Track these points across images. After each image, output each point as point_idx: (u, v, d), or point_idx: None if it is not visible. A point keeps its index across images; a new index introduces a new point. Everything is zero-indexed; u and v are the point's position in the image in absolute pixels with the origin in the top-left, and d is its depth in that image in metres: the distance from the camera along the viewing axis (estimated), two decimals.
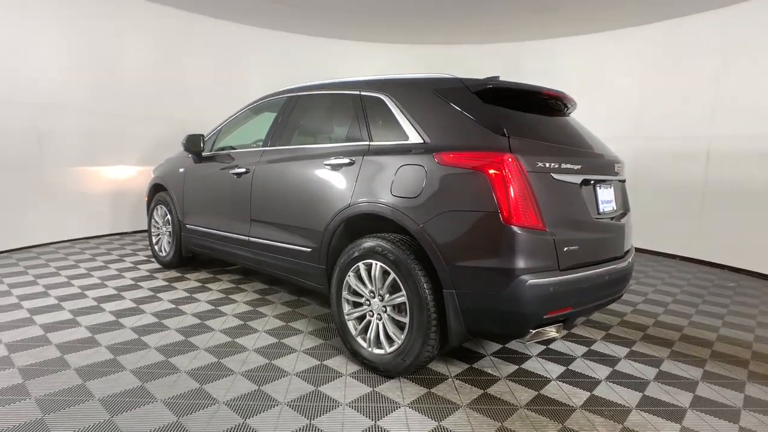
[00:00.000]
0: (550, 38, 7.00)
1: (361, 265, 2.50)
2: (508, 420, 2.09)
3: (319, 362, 2.60)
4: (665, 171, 5.91)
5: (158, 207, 4.40)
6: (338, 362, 2.61)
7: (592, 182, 2.42)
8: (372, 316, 2.49)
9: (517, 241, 2.03)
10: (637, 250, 6.37)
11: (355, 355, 2.55)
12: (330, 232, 2.68)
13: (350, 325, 2.58)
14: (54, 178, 5.23)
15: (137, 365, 2.46)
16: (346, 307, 2.60)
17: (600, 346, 3.00)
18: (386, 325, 2.42)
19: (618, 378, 2.57)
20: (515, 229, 2.03)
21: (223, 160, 3.63)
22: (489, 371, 2.59)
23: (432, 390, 2.35)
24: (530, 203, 2.05)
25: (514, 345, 2.96)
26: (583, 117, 7.29)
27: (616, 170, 2.54)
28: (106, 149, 5.73)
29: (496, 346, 2.92)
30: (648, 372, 2.66)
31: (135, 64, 5.87)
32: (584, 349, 2.95)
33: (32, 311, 3.17)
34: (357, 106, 2.79)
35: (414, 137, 2.43)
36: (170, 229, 4.25)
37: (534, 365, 2.68)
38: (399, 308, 2.39)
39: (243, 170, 3.35)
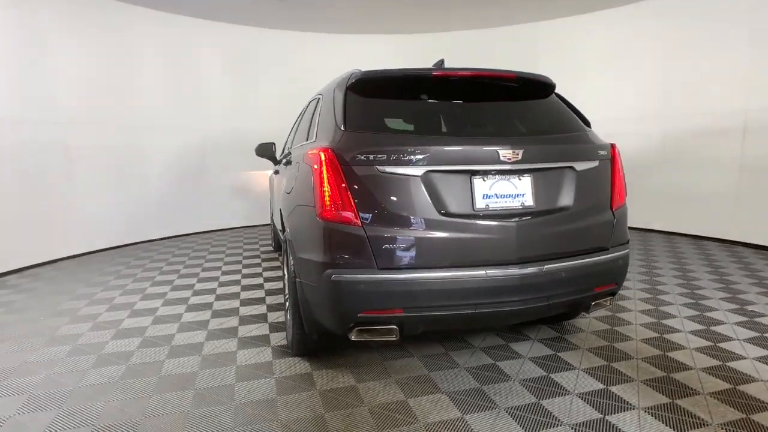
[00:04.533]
0: (567, 16, 6.71)
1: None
2: (331, 413, 2.13)
3: (267, 333, 3.06)
4: (699, 149, 5.72)
5: None
6: (280, 336, 3.01)
7: (479, 173, 2.08)
8: None
9: (325, 235, 2.04)
10: (670, 233, 6.22)
11: (285, 330, 2.90)
12: (280, 221, 3.09)
13: (286, 304, 2.94)
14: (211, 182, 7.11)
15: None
16: (286, 288, 2.97)
17: (587, 382, 2.43)
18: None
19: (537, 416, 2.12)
20: (324, 223, 2.04)
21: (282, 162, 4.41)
22: (395, 376, 2.53)
23: (314, 372, 2.50)
24: (342, 198, 2.01)
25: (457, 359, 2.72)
26: (608, 97, 6.55)
27: (501, 158, 2.06)
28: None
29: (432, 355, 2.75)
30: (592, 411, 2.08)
31: (149, 75, 6.19)
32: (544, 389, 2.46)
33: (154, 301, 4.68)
34: (317, 107, 3.07)
35: (314, 136, 2.61)
36: None
37: (441, 376, 2.46)
38: None
39: (276, 169, 4.05)
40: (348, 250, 2.01)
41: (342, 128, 2.17)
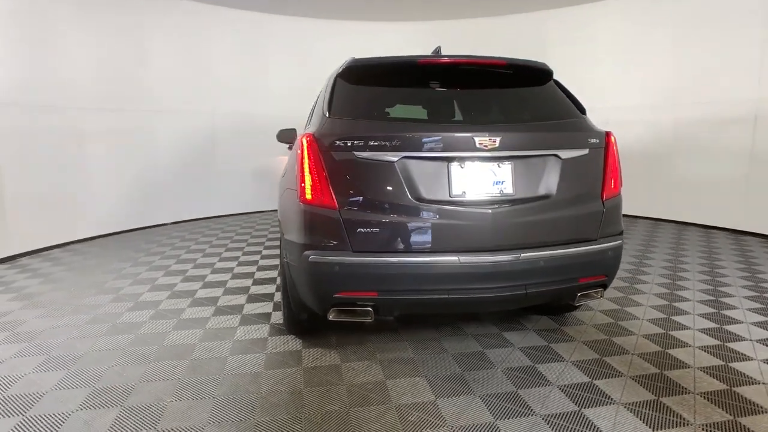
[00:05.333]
0: (578, 5, 6.64)
1: None
2: (308, 388, 2.22)
3: (270, 312, 3.19)
4: (709, 137, 5.68)
5: None
6: (281, 315, 3.13)
7: (457, 159, 2.07)
8: None
9: (304, 217, 2.10)
10: (678, 222, 6.22)
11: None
12: None
13: None
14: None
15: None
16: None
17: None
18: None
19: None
20: (303, 206, 2.10)
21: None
22: (380, 357, 2.58)
23: (304, 350, 2.59)
24: (320, 182, 2.06)
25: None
26: (619, 85, 6.57)
27: (478, 145, 2.03)
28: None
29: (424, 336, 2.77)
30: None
31: (160, 60, 6.19)
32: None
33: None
34: (319, 95, 3.14)
35: (310, 122, 2.67)
36: None
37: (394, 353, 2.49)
38: None
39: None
40: (324, 233, 2.07)
41: (327, 115, 2.22)
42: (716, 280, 3.79)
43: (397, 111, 2.33)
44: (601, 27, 6.59)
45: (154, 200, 6.32)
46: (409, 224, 2.04)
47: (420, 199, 2.05)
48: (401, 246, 2.04)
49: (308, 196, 2.09)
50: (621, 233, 2.35)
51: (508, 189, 2.11)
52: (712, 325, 2.90)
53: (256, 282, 3.83)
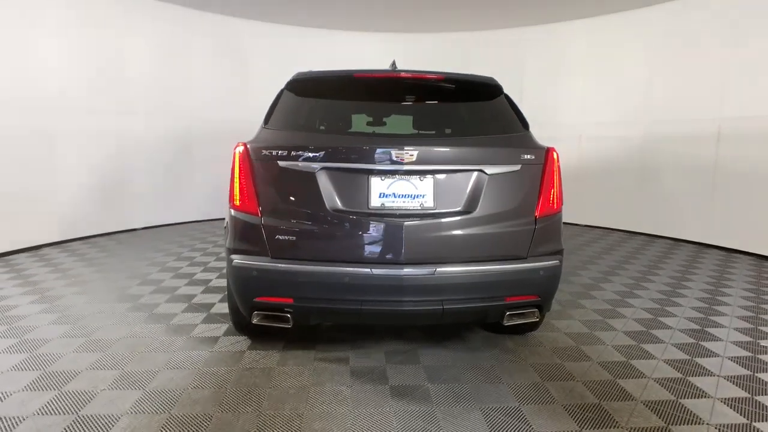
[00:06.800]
0: (552, 23, 6.97)
1: None
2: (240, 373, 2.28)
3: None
4: (675, 154, 5.92)
5: None
6: None
7: (376, 172, 2.08)
8: None
9: (231, 222, 2.19)
10: (648, 235, 6.36)
11: None
12: None
13: None
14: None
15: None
16: None
17: None
18: None
19: None
20: (233, 211, 2.19)
21: None
22: (317, 363, 2.62)
23: (247, 351, 2.66)
24: (246, 189, 2.14)
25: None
26: (589, 102, 6.88)
27: (394, 158, 2.01)
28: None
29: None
30: None
31: (139, 63, 6.03)
32: None
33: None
34: None
35: None
36: None
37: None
38: None
39: None
40: (247, 238, 2.15)
41: (264, 125, 2.31)
42: (713, 308, 3.50)
43: (330, 123, 2.37)
44: (574, 45, 6.92)
45: (127, 204, 6.14)
46: (324, 234, 2.07)
47: (337, 210, 2.08)
48: (316, 255, 2.07)
49: (236, 202, 2.18)
50: (559, 252, 2.25)
51: (429, 203, 2.09)
52: (683, 356, 2.70)
53: None
